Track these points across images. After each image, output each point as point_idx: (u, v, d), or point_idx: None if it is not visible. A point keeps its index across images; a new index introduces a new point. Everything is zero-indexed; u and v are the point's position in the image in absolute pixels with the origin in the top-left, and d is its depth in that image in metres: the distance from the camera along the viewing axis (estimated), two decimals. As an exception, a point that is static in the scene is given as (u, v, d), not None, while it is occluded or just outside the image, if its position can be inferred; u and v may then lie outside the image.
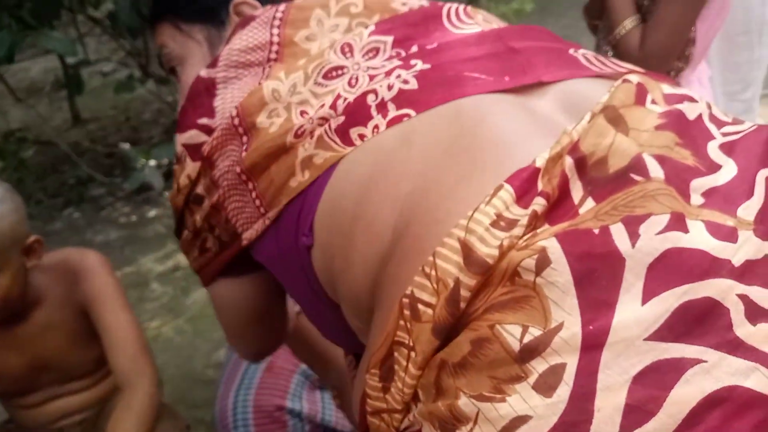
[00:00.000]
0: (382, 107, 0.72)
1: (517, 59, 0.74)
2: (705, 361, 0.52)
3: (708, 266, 0.54)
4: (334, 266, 0.73)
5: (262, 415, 1.51)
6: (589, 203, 0.58)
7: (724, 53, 2.03)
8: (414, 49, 0.78)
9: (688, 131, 0.64)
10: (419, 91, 0.71)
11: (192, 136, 0.85)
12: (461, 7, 0.85)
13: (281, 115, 0.77)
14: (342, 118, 0.73)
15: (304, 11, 0.86)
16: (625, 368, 0.52)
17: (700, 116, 0.68)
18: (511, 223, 0.57)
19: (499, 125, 0.66)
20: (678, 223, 0.56)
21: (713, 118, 0.68)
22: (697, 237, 0.55)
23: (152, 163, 3.23)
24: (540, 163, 0.60)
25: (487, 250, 0.56)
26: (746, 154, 0.63)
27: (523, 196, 0.58)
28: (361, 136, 0.72)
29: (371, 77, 0.75)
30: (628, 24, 1.50)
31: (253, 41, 0.85)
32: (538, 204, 0.58)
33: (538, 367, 0.53)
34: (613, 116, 0.63)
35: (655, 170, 0.59)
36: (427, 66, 0.74)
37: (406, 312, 0.60)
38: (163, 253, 3.04)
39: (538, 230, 0.57)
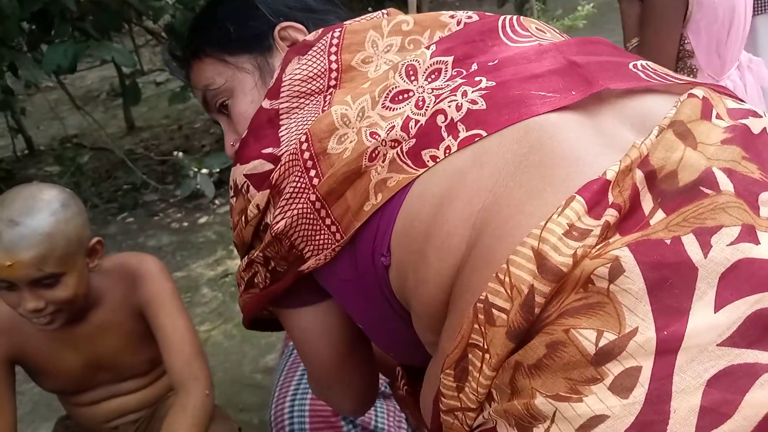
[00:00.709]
0: (452, 128, 0.72)
1: (580, 72, 0.74)
2: None
3: None
4: (407, 284, 0.75)
5: (318, 420, 1.54)
6: (660, 215, 0.60)
7: None
8: (474, 67, 0.79)
9: (754, 145, 0.66)
10: (487, 111, 0.72)
11: (255, 165, 0.84)
12: (515, 18, 0.86)
13: (352, 139, 0.78)
14: (413, 141, 0.74)
15: (359, 34, 0.87)
16: (699, 372, 0.54)
17: (764, 130, 0.69)
18: (584, 233, 0.60)
19: (567, 141, 0.68)
20: (749, 234, 0.58)
21: None
22: None
23: (204, 171, 3.30)
24: (610, 175, 0.62)
25: (561, 258, 0.59)
26: None
27: (594, 207, 0.61)
28: (434, 158, 0.73)
29: (437, 97, 0.76)
30: (630, 45, 1.65)
31: (313, 70, 0.86)
32: (610, 215, 0.60)
33: (614, 369, 0.56)
34: (682, 131, 0.65)
35: (725, 183, 0.61)
36: (492, 83, 0.74)
37: (481, 316, 0.63)
38: (213, 259, 3.11)
39: (611, 240, 0.59)
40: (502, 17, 0.86)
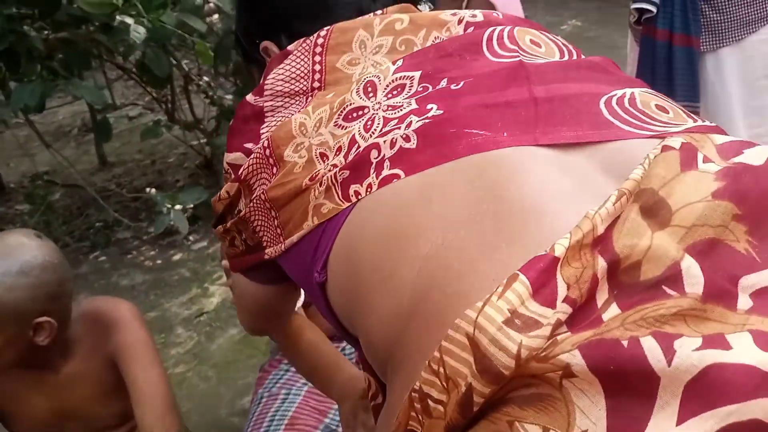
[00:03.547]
0: (379, 165, 0.71)
1: (531, 112, 0.69)
2: None
3: (756, 384, 0.48)
4: (355, 309, 0.73)
5: None
6: (614, 310, 0.54)
7: (746, 99, 2.06)
8: (443, 83, 0.75)
9: (752, 189, 0.58)
10: (415, 151, 0.70)
11: (236, 158, 0.88)
12: (507, 31, 0.81)
13: (304, 154, 0.78)
14: (347, 173, 0.74)
15: (347, 33, 0.85)
16: None
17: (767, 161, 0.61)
18: (528, 323, 0.53)
19: (527, 187, 0.62)
20: (715, 342, 0.51)
21: None
22: (743, 352, 0.50)
23: (178, 207, 3.25)
24: (559, 252, 0.55)
25: (502, 359, 0.52)
26: None
27: (539, 290, 0.54)
28: (356, 194, 0.72)
29: (386, 121, 0.74)
30: None
31: (296, 71, 0.85)
32: (563, 311, 0.54)
33: None
34: (652, 204, 0.58)
35: (693, 282, 0.54)
36: (439, 112, 0.71)
37: (417, 405, 0.59)
38: (187, 298, 3.06)
39: (559, 338, 0.53)
40: (495, 29, 0.81)
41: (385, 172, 0.70)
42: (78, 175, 4.21)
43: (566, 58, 0.81)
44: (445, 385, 0.56)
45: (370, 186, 0.71)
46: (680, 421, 0.49)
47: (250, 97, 0.88)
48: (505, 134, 0.67)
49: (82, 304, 1.53)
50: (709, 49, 2.06)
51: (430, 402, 0.57)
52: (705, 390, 0.49)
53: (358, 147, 0.74)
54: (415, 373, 0.60)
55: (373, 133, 0.74)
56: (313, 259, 0.77)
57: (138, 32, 2.34)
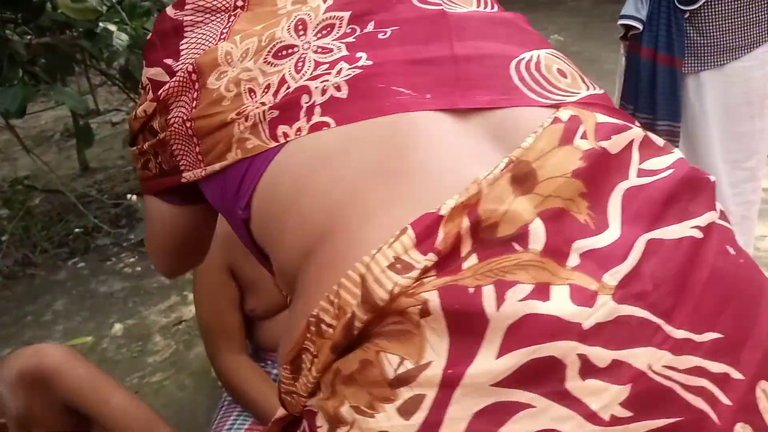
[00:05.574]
0: (310, 110, 0.75)
1: (451, 72, 0.76)
2: (534, 407, 0.61)
3: (558, 330, 0.62)
4: (268, 242, 0.81)
5: None
6: (473, 259, 0.65)
7: (724, 123, 2.05)
8: (370, 26, 0.80)
9: (601, 173, 0.69)
10: (346, 101, 0.75)
11: (156, 73, 0.89)
12: None
13: (233, 89, 0.80)
14: (276, 112, 0.77)
15: None
16: (470, 405, 0.62)
17: (629, 145, 0.72)
18: (407, 267, 0.64)
19: (430, 150, 0.72)
20: (540, 292, 0.63)
21: (644, 145, 0.73)
22: (557, 304, 0.63)
23: (158, 215, 3.23)
24: (444, 211, 0.66)
25: (380, 293, 0.64)
26: (639, 211, 0.68)
27: (422, 242, 0.65)
28: (285, 135, 0.76)
29: (317, 64, 0.78)
30: None
31: None
32: (430, 259, 0.65)
33: (405, 394, 0.63)
34: (521, 175, 0.67)
35: (536, 240, 0.65)
36: (369, 63, 0.77)
37: (312, 328, 0.69)
38: (166, 305, 3.04)
39: (425, 280, 0.64)
40: None
41: (316, 118, 0.75)
42: (59, 181, 4.18)
43: (482, 8, 0.87)
44: (336, 312, 0.67)
45: (299, 130, 0.75)
46: (499, 355, 0.62)
47: (170, 10, 0.89)
48: (429, 96, 0.74)
49: (7, 366, 1.40)
50: (691, 71, 2.07)
51: (323, 326, 0.68)
52: (520, 332, 0.62)
53: (288, 87, 0.77)
54: (312, 301, 0.70)
55: (303, 74, 0.77)
56: (237, 194, 0.81)
57: (121, 39, 2.34)
